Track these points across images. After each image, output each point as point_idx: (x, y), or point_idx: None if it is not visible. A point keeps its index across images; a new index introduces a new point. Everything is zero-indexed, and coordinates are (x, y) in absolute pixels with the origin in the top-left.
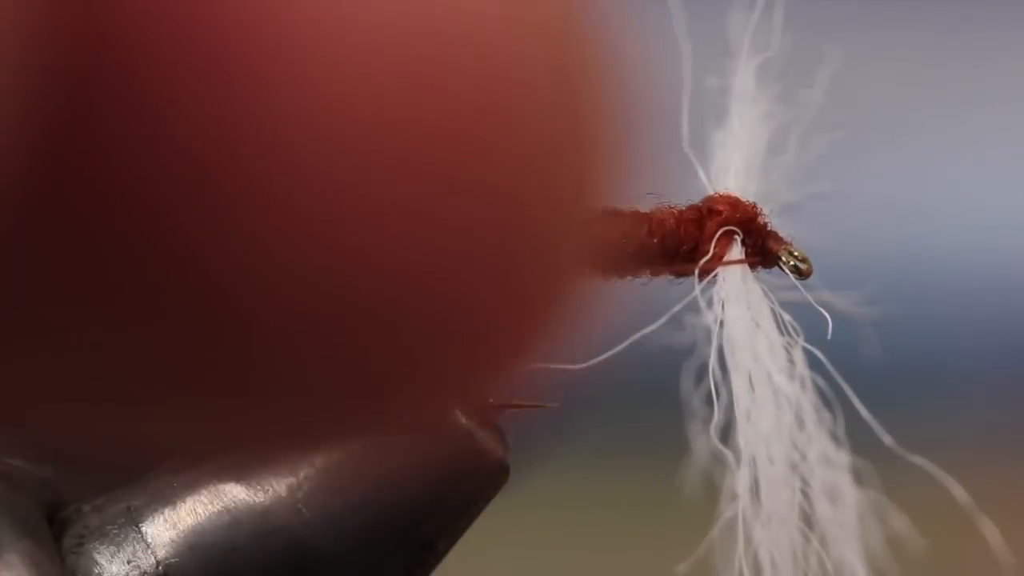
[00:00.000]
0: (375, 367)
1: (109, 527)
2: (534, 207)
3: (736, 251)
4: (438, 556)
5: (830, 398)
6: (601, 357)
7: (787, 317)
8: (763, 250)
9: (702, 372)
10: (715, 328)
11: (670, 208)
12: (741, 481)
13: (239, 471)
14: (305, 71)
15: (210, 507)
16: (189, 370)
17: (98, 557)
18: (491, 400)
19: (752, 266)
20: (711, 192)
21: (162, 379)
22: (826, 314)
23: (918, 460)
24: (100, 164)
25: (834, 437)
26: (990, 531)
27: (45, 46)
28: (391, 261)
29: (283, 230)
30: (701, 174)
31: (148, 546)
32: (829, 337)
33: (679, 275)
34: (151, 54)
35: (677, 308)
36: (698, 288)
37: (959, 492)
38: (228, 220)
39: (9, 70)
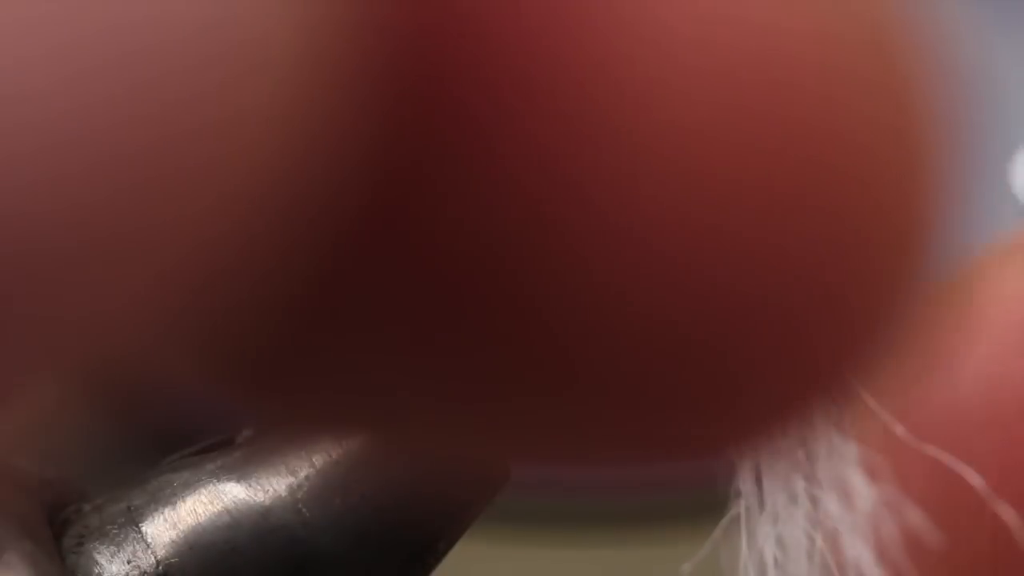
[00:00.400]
0: (694, 388)
1: (109, 527)
2: (861, 228)
3: None
4: (438, 556)
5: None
6: None
7: None
8: None
9: None
10: None
11: None
12: (745, 478)
13: (239, 471)
14: (633, 93)
15: (210, 507)
16: (508, 384)
17: (98, 557)
18: None
19: None
20: None
21: (485, 391)
22: None
23: (931, 450)
24: (436, 197)
25: (840, 429)
26: (1009, 515)
27: (389, 87)
28: (715, 282)
29: (609, 252)
30: None
31: (148, 546)
32: None
33: None
34: (493, 91)
35: None
36: None
37: (975, 479)
38: (556, 246)
39: (352, 113)
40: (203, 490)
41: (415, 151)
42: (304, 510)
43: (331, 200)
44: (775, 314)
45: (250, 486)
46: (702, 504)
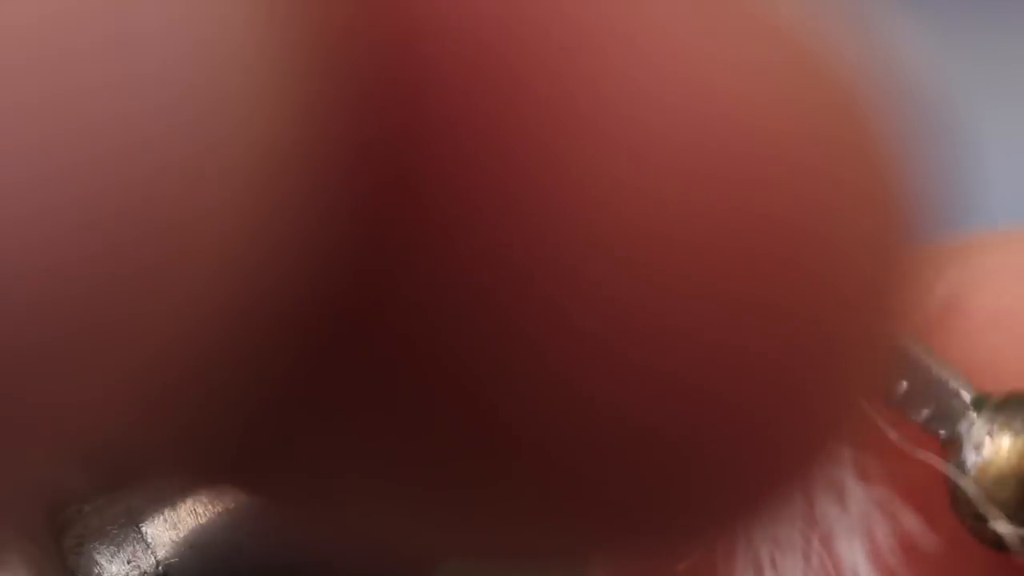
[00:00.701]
0: (647, 488)
1: (109, 527)
2: (830, 332)
3: None
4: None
5: None
6: None
7: None
8: None
9: None
10: None
11: None
12: None
13: None
14: (597, 190)
15: (210, 507)
16: (466, 482)
17: (98, 557)
18: None
19: None
20: None
21: (440, 489)
22: None
23: (926, 456)
24: (401, 304)
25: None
26: (1003, 527)
27: (352, 187)
28: (676, 380)
29: (570, 352)
30: None
31: (148, 546)
32: None
33: None
34: (461, 192)
35: None
36: None
37: (970, 487)
38: (515, 344)
39: (318, 210)
40: (203, 490)
41: (378, 246)
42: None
43: (298, 294)
44: (737, 413)
45: None
46: None
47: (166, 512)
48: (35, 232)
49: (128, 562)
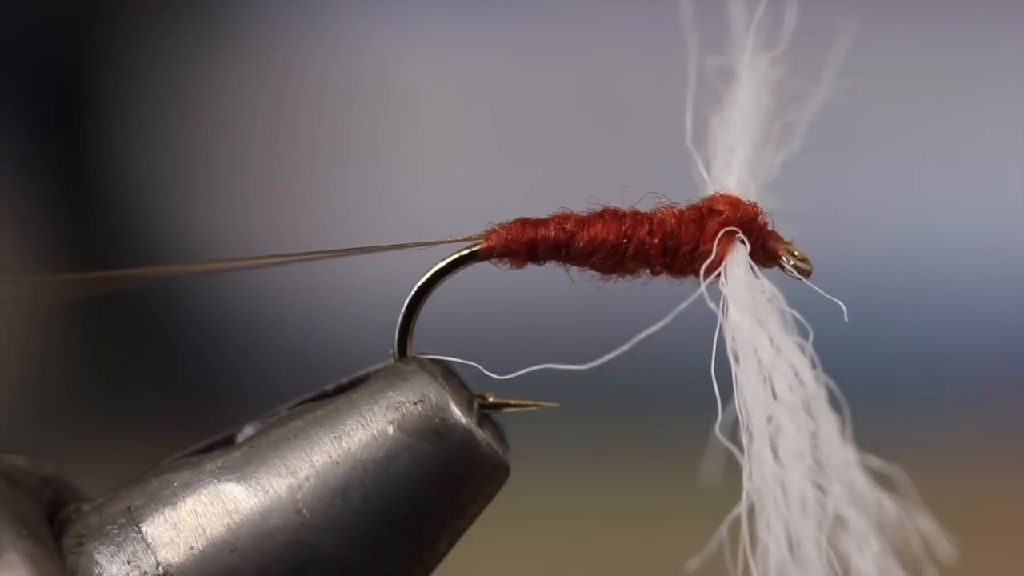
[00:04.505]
0: None
1: (109, 527)
2: None
3: (738, 251)
4: (438, 556)
5: (839, 396)
6: (605, 358)
7: (796, 315)
8: (764, 250)
9: (707, 372)
10: (720, 327)
11: (671, 208)
12: (748, 479)
13: (239, 471)
14: None
15: (210, 507)
16: None
17: (98, 557)
18: (491, 399)
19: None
20: (712, 191)
21: None
22: (843, 306)
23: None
24: None
25: (843, 433)
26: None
27: None
28: None
29: None
30: (703, 172)
31: (148, 546)
32: (848, 320)
33: (679, 275)
34: None
35: (681, 308)
36: (703, 287)
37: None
38: None
39: None
40: (203, 490)
41: None
42: (304, 511)
43: None
44: None
45: (250, 486)
46: None
47: (166, 512)
48: None
49: (128, 562)
